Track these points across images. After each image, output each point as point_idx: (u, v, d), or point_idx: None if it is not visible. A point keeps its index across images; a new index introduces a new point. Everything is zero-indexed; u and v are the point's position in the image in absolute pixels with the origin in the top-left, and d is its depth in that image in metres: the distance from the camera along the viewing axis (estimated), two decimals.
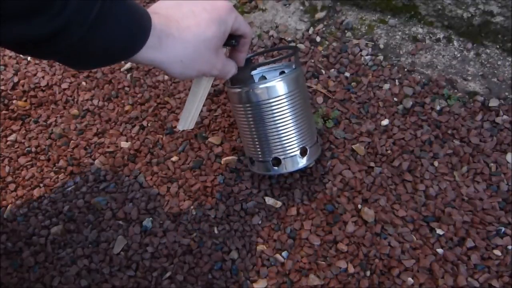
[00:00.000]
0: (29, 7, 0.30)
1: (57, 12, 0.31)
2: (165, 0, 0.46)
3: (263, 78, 0.75)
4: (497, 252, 0.66)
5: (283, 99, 0.67)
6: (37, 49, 0.35)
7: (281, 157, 0.70)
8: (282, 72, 0.73)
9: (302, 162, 0.71)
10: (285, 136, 0.69)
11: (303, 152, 0.70)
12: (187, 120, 0.58)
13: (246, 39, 0.54)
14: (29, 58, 1.07)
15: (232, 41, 0.52)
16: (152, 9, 0.44)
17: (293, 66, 0.71)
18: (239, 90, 0.68)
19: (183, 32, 0.43)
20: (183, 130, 0.86)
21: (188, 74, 0.47)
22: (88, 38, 0.34)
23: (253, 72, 0.70)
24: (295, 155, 0.70)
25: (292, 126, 0.68)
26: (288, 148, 0.70)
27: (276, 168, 0.71)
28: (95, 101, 0.95)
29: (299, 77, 0.69)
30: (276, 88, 0.66)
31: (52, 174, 0.84)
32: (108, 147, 0.86)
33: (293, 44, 0.98)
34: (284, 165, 0.71)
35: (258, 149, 0.72)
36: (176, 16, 0.44)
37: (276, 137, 0.69)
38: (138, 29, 0.39)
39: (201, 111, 0.60)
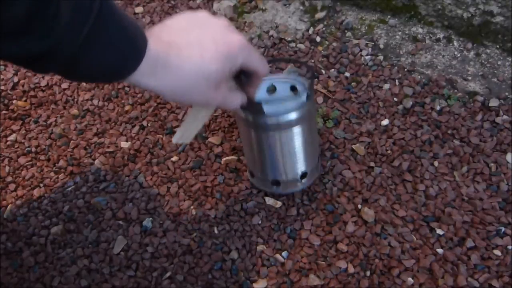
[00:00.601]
0: (16, 27, 0.29)
1: (46, 33, 0.30)
2: (175, 21, 0.43)
3: (273, 88, 0.69)
4: (497, 252, 0.66)
5: (292, 132, 0.64)
6: (30, 66, 0.34)
7: (280, 180, 0.71)
8: (293, 88, 0.67)
9: (302, 184, 0.73)
10: (289, 163, 0.69)
11: (303, 176, 0.71)
12: (183, 135, 0.56)
13: (259, 76, 0.49)
14: None
15: (241, 76, 0.48)
16: (156, 32, 0.41)
17: (306, 93, 0.63)
18: (246, 116, 0.63)
19: (183, 63, 0.40)
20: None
21: (183, 103, 0.45)
22: (78, 57, 0.33)
23: (263, 82, 0.66)
24: (296, 179, 0.71)
25: (296, 155, 0.68)
26: (289, 173, 0.70)
27: (275, 187, 0.73)
28: (95, 101, 0.95)
29: (311, 109, 0.65)
30: (286, 123, 0.63)
31: (52, 174, 0.84)
32: (108, 147, 0.86)
33: (293, 44, 0.97)
34: (283, 186, 0.72)
35: (259, 167, 0.72)
36: (180, 43, 0.40)
37: (280, 163, 0.69)
38: (130, 54, 0.36)
39: (200, 129, 0.57)
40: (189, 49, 0.40)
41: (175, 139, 0.57)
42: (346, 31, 0.98)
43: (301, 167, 0.70)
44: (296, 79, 0.67)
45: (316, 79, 0.91)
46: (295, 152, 0.67)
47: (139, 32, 0.37)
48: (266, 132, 0.64)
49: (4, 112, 0.96)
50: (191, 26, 0.42)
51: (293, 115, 0.62)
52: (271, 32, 0.99)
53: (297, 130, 0.64)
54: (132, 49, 0.36)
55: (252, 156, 0.71)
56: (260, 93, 0.70)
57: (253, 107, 0.60)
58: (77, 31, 0.32)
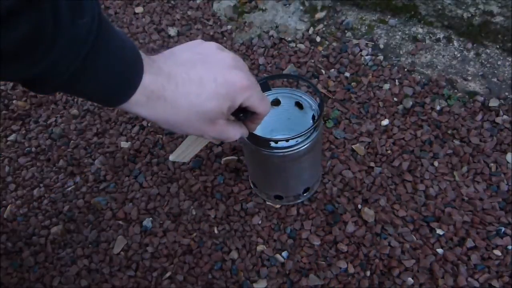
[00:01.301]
0: (11, 53, 0.28)
1: (38, 59, 0.30)
2: (182, 51, 0.42)
3: (277, 102, 0.68)
4: (497, 252, 0.66)
5: (299, 161, 0.63)
6: (26, 87, 0.34)
7: (283, 195, 0.72)
8: (298, 104, 0.66)
9: (304, 197, 0.74)
10: (292, 183, 0.69)
11: (305, 191, 0.72)
12: (181, 155, 0.55)
13: (258, 116, 0.48)
14: None
15: (240, 114, 0.47)
16: (160, 60, 0.40)
17: (315, 124, 0.59)
18: (253, 148, 0.62)
19: (178, 99, 0.39)
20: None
21: (176, 132, 0.44)
22: (70, 83, 0.33)
23: (266, 93, 0.65)
24: (299, 194, 0.72)
25: (301, 176, 0.67)
26: (293, 190, 0.71)
27: (277, 200, 0.73)
28: None
29: (319, 137, 0.63)
30: (294, 154, 0.60)
31: (52, 174, 0.84)
32: (108, 147, 0.86)
33: (293, 44, 0.97)
34: (285, 200, 0.73)
35: (262, 184, 0.73)
36: (179, 77, 0.39)
37: (284, 183, 0.69)
38: (123, 87, 0.36)
39: (198, 151, 0.57)
40: (186, 86, 0.39)
41: (172, 157, 0.56)
42: (346, 31, 0.98)
43: (304, 185, 0.71)
44: (302, 96, 0.66)
45: (316, 79, 0.91)
46: (300, 175, 0.67)
47: (138, 61, 0.36)
48: (272, 160, 0.62)
49: (4, 112, 0.96)
50: (196, 60, 0.41)
51: (301, 149, 0.60)
52: (271, 32, 0.99)
53: (304, 158, 0.63)
54: (125, 81, 0.36)
55: (255, 173, 0.72)
56: (267, 124, 0.69)
57: (258, 141, 0.60)
58: (71, 58, 0.31)
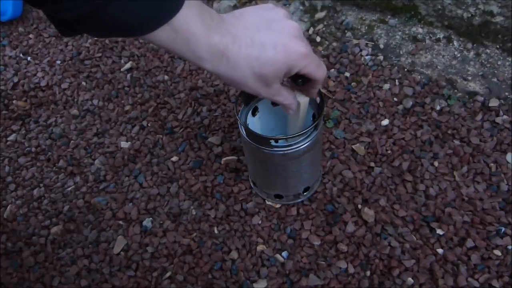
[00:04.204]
0: None
1: None
2: (251, 14, 0.45)
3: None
4: (497, 252, 0.66)
5: (299, 159, 0.63)
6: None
7: (283, 195, 0.72)
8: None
9: (304, 196, 0.73)
10: (293, 183, 0.69)
11: (305, 190, 0.72)
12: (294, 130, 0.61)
13: (316, 82, 0.50)
14: (29, 58, 1.07)
15: (298, 80, 0.49)
16: (229, 21, 0.43)
17: (316, 123, 0.59)
18: (253, 146, 0.61)
19: (239, 60, 0.42)
20: (182, 130, 0.86)
21: (235, 87, 0.47)
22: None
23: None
24: (299, 193, 0.72)
25: (302, 175, 0.67)
26: (293, 190, 0.71)
27: (277, 199, 0.73)
28: (95, 101, 0.95)
29: (319, 136, 0.62)
30: (294, 153, 0.60)
31: (52, 174, 0.84)
32: (108, 147, 0.86)
33: None
34: (285, 199, 0.73)
35: (262, 183, 0.73)
36: (243, 41, 0.42)
37: (284, 182, 0.69)
38: (157, 11, 0.37)
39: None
40: (248, 49, 0.42)
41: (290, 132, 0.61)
42: (346, 31, 0.98)
43: (304, 184, 0.70)
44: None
45: None
46: (300, 173, 0.67)
47: None
48: (272, 159, 0.62)
49: (4, 112, 0.96)
50: (262, 25, 0.44)
51: (301, 148, 0.60)
52: None
53: (304, 157, 0.63)
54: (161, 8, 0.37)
55: (255, 172, 0.72)
56: (267, 122, 0.70)
57: (259, 140, 0.60)
58: None
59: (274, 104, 0.68)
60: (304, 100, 0.56)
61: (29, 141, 0.90)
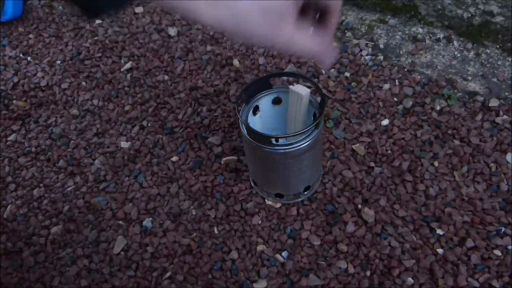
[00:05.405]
0: None
1: None
2: None
3: (279, 100, 0.68)
4: (497, 252, 0.66)
5: (300, 158, 0.63)
6: None
7: (284, 194, 0.72)
8: None
9: (304, 195, 0.73)
10: (293, 182, 0.69)
11: (306, 189, 0.72)
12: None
13: (331, 13, 0.42)
14: (29, 58, 1.07)
15: (313, 15, 0.41)
16: None
17: (317, 122, 0.59)
18: (254, 145, 0.62)
19: None
20: (182, 130, 0.86)
21: (242, 38, 0.36)
22: None
23: (267, 92, 0.66)
24: (299, 192, 0.72)
25: (302, 174, 0.67)
26: (293, 189, 0.71)
27: (278, 198, 0.73)
28: (95, 101, 0.95)
29: (320, 135, 0.63)
30: (295, 152, 0.61)
31: (52, 174, 0.84)
32: (108, 147, 0.86)
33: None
34: (286, 198, 0.73)
35: (263, 182, 0.73)
36: None
37: (285, 182, 0.69)
38: None
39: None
40: None
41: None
42: (346, 31, 0.98)
43: (305, 183, 0.70)
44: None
45: (316, 79, 0.91)
46: (301, 173, 0.67)
47: None
48: (273, 157, 0.63)
49: (4, 112, 0.96)
50: None
51: (302, 147, 0.60)
52: None
53: (305, 156, 0.63)
54: None
55: (256, 171, 0.72)
56: (269, 122, 0.71)
57: (260, 138, 0.60)
58: None
59: (275, 103, 0.68)
60: (306, 92, 0.55)
61: (29, 141, 0.90)
